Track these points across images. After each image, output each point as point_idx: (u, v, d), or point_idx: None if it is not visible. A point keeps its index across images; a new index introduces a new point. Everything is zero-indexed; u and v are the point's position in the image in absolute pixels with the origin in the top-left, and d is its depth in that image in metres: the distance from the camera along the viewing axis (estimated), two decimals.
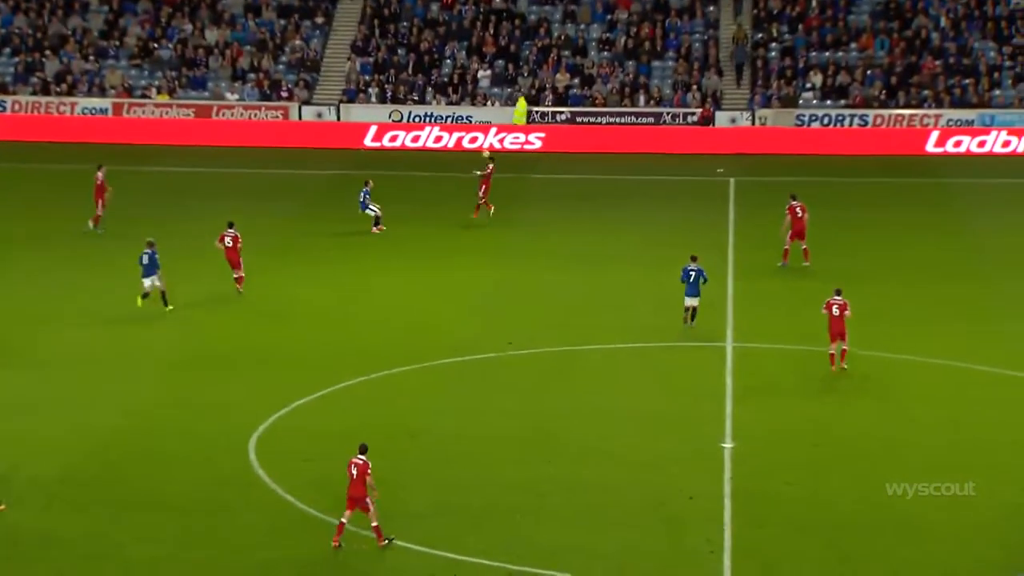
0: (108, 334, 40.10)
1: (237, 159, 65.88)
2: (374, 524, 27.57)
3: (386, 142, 69.72)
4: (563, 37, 74.74)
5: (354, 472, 27.63)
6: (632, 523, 28.94)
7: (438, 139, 69.95)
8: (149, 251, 41.63)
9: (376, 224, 52.08)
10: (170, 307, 42.03)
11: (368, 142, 69.66)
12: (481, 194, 52.99)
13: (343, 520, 27.54)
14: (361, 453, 27.89)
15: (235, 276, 44.18)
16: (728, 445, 32.76)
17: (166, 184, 60.72)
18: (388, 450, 32.15)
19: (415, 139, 69.96)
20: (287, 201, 57.87)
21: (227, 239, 44.16)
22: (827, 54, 73.19)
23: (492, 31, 74.88)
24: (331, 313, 42.89)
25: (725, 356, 39.00)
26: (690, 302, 41.25)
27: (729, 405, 35.24)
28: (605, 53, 74.26)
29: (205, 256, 45.65)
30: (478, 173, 53.44)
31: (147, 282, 41.66)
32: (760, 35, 74.33)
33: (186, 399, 35.40)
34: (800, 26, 74.39)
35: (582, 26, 75.38)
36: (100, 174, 50.93)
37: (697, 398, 35.87)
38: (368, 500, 27.46)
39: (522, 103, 70.41)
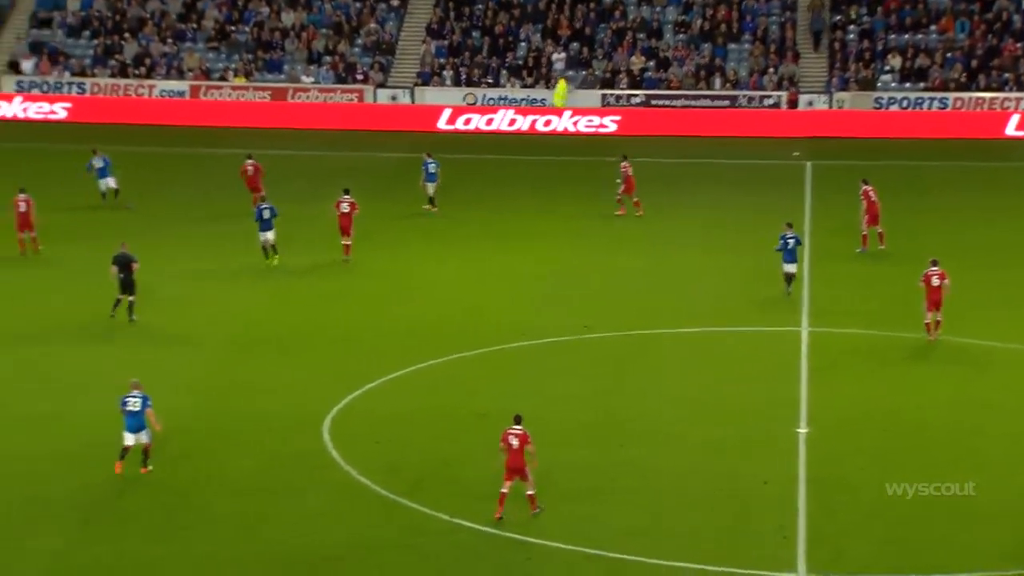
0: (193, 312, 40.34)
1: (312, 142, 66.13)
2: (530, 492, 27.73)
3: (460, 125, 69.73)
4: (638, 19, 74.35)
5: (514, 443, 27.71)
6: (705, 507, 28.76)
7: (512, 122, 69.85)
8: (267, 205, 44.35)
9: (430, 203, 52.10)
10: (275, 262, 43.81)
11: (442, 125, 69.70)
12: (622, 191, 52.34)
13: (504, 491, 27.62)
14: (516, 423, 27.96)
15: (344, 243, 45.00)
16: (803, 430, 32.47)
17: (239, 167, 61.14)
18: (459, 432, 32.19)
19: (488, 122, 69.90)
20: (360, 184, 58.01)
21: (343, 205, 45.05)
22: (906, 36, 72.32)
23: (567, 13, 74.63)
24: (405, 296, 42.95)
25: (800, 340, 38.66)
26: (789, 268, 41.83)
27: (804, 390, 34.93)
28: (681, 35, 73.81)
29: (281, 238, 45.84)
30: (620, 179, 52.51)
31: (265, 236, 44.30)
32: (839, 17, 73.57)
33: (261, 379, 35.56)
34: (879, 8, 73.56)
35: (658, 8, 74.96)
36: (250, 164, 51.33)
37: (771, 383, 35.58)
38: (527, 469, 27.55)
39: (562, 85, 70.11)
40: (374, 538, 27.14)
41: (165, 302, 41.09)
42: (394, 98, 71.57)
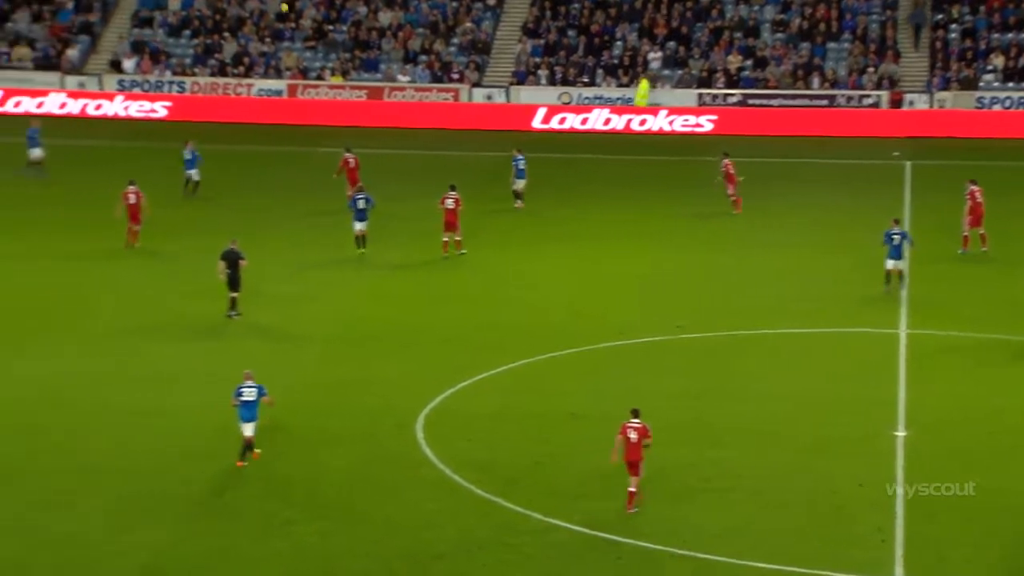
0: (286, 310, 40.61)
1: (407, 140, 66.37)
2: (632, 489, 27.78)
3: (555, 124, 69.64)
4: (736, 18, 73.85)
5: (632, 436, 27.78)
6: (799, 508, 28.45)
7: (607, 121, 69.64)
8: (363, 195, 45.04)
9: (517, 197, 52.16)
10: (363, 252, 44.79)
11: (537, 124, 69.66)
12: (730, 191, 52.26)
13: (632, 489, 27.70)
14: (635, 417, 28.04)
15: (455, 239, 45.45)
16: (901, 433, 32.03)
17: (334, 166, 61.48)
18: (551, 432, 32.10)
19: (583, 121, 69.75)
20: (456, 183, 58.13)
21: (448, 201, 45.42)
22: (1010, 36, 71.19)
23: (664, 12, 74.29)
24: (500, 294, 42.94)
25: (899, 342, 38.16)
26: (893, 265, 41.39)
27: (902, 392, 34.48)
28: (779, 34, 73.20)
29: (378, 236, 46.04)
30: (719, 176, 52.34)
31: (358, 226, 44.94)
32: (940, 16, 72.58)
33: (353, 376, 35.70)
34: (982, 7, 72.46)
35: (755, 7, 74.41)
36: (350, 157, 51.82)
37: (869, 384, 35.15)
38: (641, 464, 27.65)
39: (644, 84, 69.78)
40: (472, 537, 27.12)
41: (268, 298, 41.26)
42: (489, 97, 71.64)
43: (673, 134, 68.40)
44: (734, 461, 30.56)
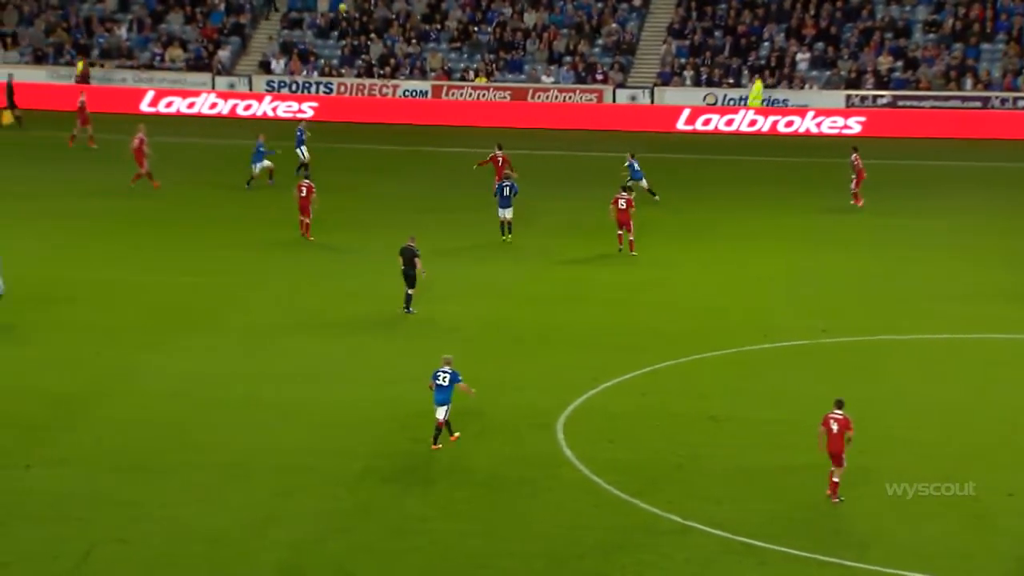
0: (432, 307, 40.79)
1: (551, 141, 66.36)
2: (836, 480, 28.07)
3: (699, 125, 69.16)
4: (887, 19, 72.71)
5: (834, 427, 28.11)
6: (942, 516, 27.85)
7: (752, 123, 69.01)
8: (509, 183, 46.83)
9: (650, 192, 52.55)
10: (509, 239, 46.27)
11: (680, 125, 69.22)
12: (854, 187, 51.93)
13: (835, 480, 28.16)
14: (838, 408, 28.31)
15: (629, 238, 45.94)
16: None
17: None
18: (691, 435, 31.82)
19: (728, 123, 69.18)
20: (600, 183, 58.03)
21: (620, 202, 45.95)
22: None
23: (813, 13, 73.40)
24: (640, 296, 42.69)
25: None
26: None
27: None
28: (931, 35, 71.93)
29: (519, 236, 46.07)
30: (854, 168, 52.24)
31: (503, 213, 46.52)
32: None
33: (495, 375, 35.71)
34: None
35: (907, 8, 73.20)
36: (500, 155, 52.22)
37: (1018, 391, 34.27)
38: (843, 455, 27.94)
39: (758, 85, 68.94)
40: (611, 538, 26.97)
41: (428, 296, 41.36)
42: (633, 98, 71.38)
43: (820, 136, 67.52)
44: (875, 468, 29.99)
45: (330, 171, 56.19)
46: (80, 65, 73.11)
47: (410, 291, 39.90)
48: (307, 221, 47.34)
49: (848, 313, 40.55)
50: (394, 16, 76.75)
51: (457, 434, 31.14)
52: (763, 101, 69.09)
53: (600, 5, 75.77)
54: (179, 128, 68.24)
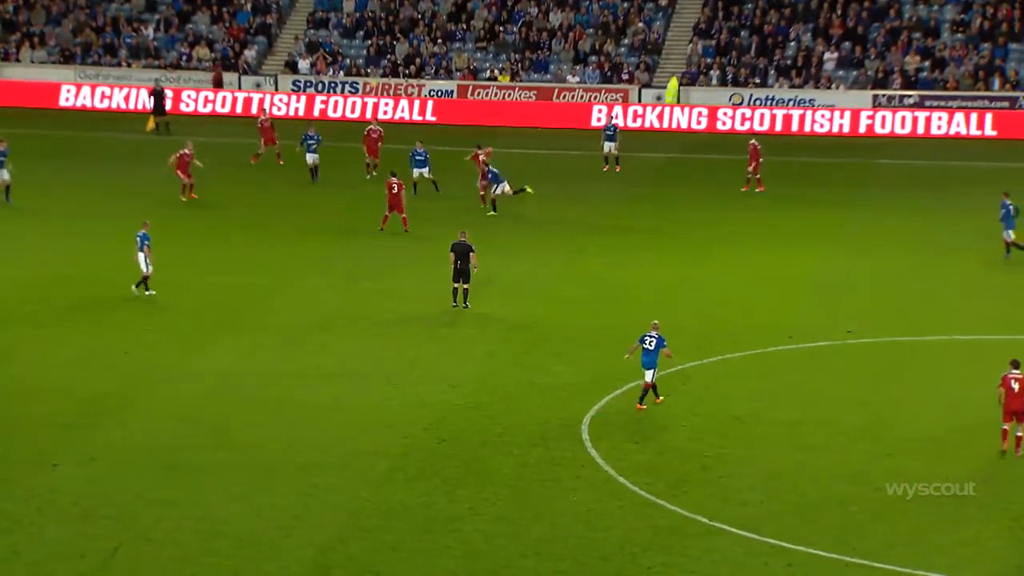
0: (448, 308, 40.84)
1: (575, 141, 66.32)
2: (1020, 434, 29.90)
3: (721, 125, 69.07)
4: (914, 18, 72.48)
5: (1015, 386, 29.79)
6: (975, 520, 27.72)
7: (781, 120, 68.77)
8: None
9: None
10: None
11: (703, 125, 69.22)
12: (751, 170, 52.83)
13: (1005, 428, 30.07)
14: (1015, 367, 30.07)
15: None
16: None
17: (504, 166, 61.78)
18: (717, 436, 31.78)
19: (759, 120, 68.97)
20: (624, 183, 57.97)
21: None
22: None
23: (840, 12, 73.20)
24: (668, 296, 42.64)
25: None
26: None
27: None
28: (959, 35, 71.67)
29: (539, 235, 45.99)
30: None
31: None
32: None
33: (520, 375, 35.72)
34: None
35: (935, 7, 72.95)
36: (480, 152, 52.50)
37: None
38: None
39: (673, 82, 69.16)
40: (636, 539, 26.94)
41: (490, 290, 41.39)
42: (659, 98, 71.28)
43: (847, 136, 67.34)
44: (906, 470, 29.89)
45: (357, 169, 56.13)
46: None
47: (465, 286, 40.15)
48: (402, 216, 47.93)
49: (872, 315, 40.42)
50: (420, 16, 76.81)
51: (662, 397, 33.00)
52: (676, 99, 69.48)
53: (626, 5, 75.70)
54: (208, 128, 68.39)
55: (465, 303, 40.23)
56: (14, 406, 32.99)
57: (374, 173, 56.15)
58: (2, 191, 51.65)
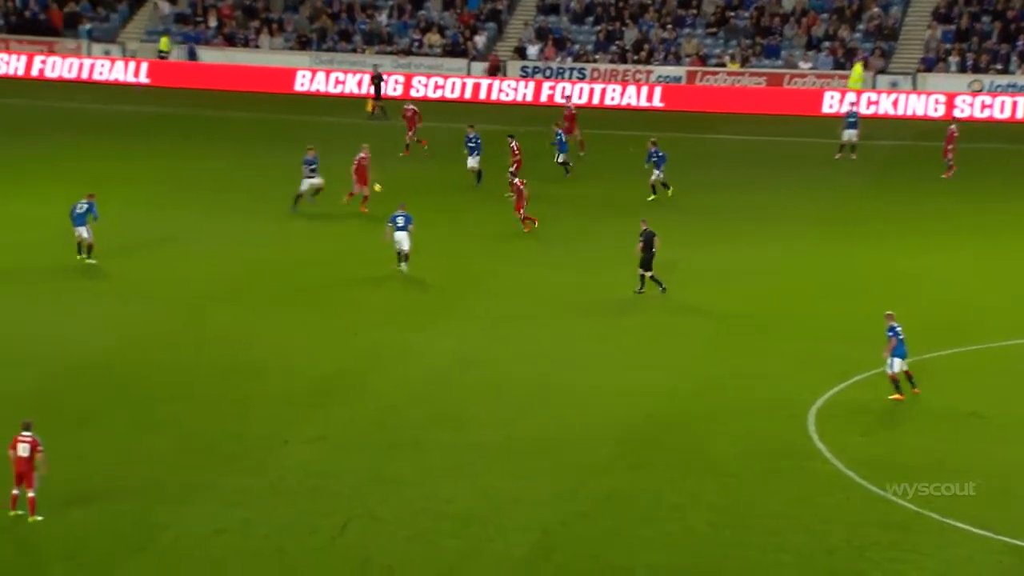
0: (683, 294, 40.61)
1: (806, 128, 65.25)
2: None
3: (956, 113, 67.27)
4: None
5: None
6: None
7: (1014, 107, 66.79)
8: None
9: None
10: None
11: (939, 112, 67.53)
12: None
13: None
14: None
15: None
16: None
17: (731, 153, 61.20)
18: (951, 431, 30.97)
19: (1001, 108, 67.01)
20: (850, 173, 56.91)
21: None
22: None
23: None
24: (895, 288, 41.64)
25: None
26: None
27: None
28: None
29: (763, 225, 45.39)
30: None
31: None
32: None
33: (739, 364, 35.31)
34: None
35: None
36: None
37: None
38: None
39: (858, 68, 66.58)
40: (863, 534, 26.42)
41: (670, 281, 41.16)
42: (895, 84, 69.67)
43: None
44: None
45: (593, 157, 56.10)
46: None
47: (649, 273, 39.93)
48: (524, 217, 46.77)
49: None
50: (650, 1, 76.46)
51: (918, 389, 32.53)
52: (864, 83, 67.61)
53: None
54: (438, 113, 69.13)
55: (661, 287, 39.97)
56: (248, 385, 33.85)
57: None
58: (309, 194, 50.20)
